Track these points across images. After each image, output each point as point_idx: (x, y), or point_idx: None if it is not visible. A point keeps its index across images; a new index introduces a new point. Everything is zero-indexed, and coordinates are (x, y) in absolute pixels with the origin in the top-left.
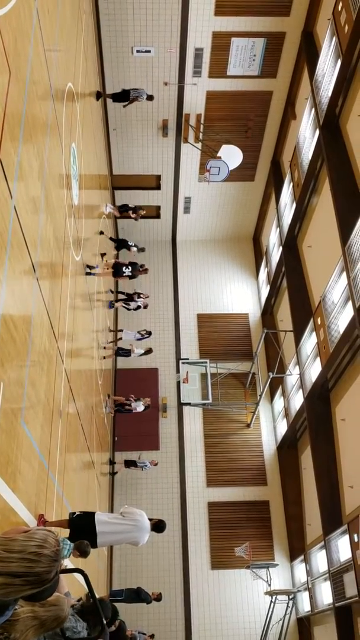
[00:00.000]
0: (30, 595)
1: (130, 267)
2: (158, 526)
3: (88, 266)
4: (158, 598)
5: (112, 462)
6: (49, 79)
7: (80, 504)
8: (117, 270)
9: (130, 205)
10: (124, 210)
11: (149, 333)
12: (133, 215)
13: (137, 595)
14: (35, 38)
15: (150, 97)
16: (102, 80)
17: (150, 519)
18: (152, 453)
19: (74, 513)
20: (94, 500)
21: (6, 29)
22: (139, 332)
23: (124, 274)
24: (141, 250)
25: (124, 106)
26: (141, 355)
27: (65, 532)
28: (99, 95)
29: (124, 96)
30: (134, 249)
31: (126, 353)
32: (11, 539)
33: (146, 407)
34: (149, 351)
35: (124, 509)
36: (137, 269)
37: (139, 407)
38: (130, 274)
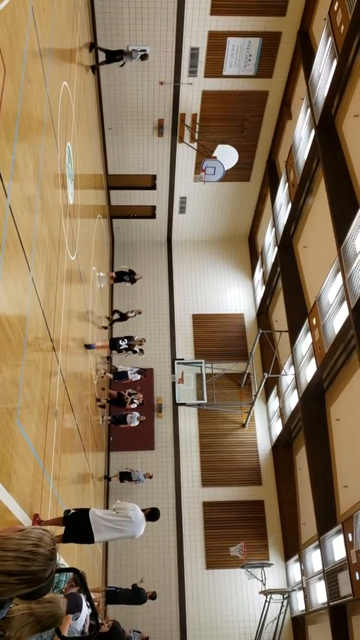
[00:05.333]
0: (25, 594)
1: (126, 340)
2: (152, 515)
3: (86, 346)
4: (153, 596)
5: (107, 478)
6: (44, 77)
7: (75, 503)
8: (113, 344)
9: (125, 270)
10: (119, 280)
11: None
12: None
13: (137, 594)
14: (30, 36)
15: (144, 57)
16: (97, 79)
17: (142, 510)
18: (147, 453)
19: (69, 511)
20: (89, 499)
21: (1, 27)
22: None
23: (121, 347)
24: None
25: (121, 66)
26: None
27: (60, 530)
28: (93, 68)
29: (118, 56)
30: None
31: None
32: (6, 537)
33: (141, 404)
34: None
35: (116, 505)
36: (133, 342)
37: (134, 422)
38: (126, 346)
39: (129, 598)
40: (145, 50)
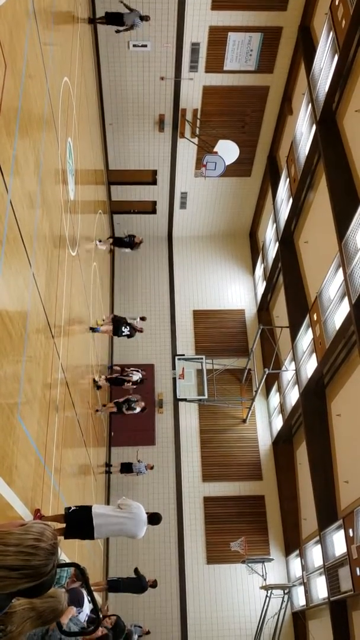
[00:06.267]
0: (28, 590)
1: (128, 327)
2: (153, 518)
3: (92, 328)
4: (153, 585)
5: (108, 465)
6: (45, 73)
7: (76, 498)
8: (116, 329)
9: (124, 238)
10: (119, 244)
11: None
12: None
13: (139, 580)
14: (31, 31)
15: (145, 18)
16: (98, 75)
17: (146, 513)
18: (148, 448)
19: (70, 508)
20: (90, 494)
21: (1, 21)
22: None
23: (123, 333)
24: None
25: (117, 31)
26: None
27: (61, 527)
28: (91, 20)
29: (118, 19)
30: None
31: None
32: (8, 532)
33: (143, 410)
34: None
35: (121, 501)
36: (135, 329)
37: (135, 410)
38: (128, 332)
39: (130, 585)
40: (147, 16)
